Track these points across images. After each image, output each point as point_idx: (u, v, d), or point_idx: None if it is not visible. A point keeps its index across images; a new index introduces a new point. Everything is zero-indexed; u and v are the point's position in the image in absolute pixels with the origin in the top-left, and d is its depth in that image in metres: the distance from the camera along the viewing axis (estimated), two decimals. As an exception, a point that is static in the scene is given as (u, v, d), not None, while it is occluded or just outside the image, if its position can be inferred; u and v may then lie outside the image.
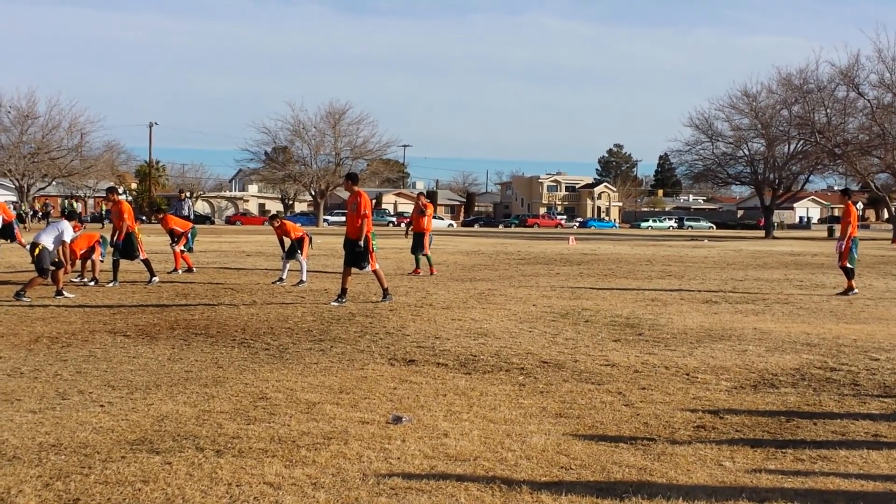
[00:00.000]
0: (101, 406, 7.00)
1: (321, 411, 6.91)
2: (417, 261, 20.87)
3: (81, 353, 9.42)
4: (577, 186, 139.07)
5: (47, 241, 14.70)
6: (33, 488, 5.04)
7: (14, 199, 74.31)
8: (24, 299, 13.92)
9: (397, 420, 6.61)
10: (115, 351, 9.61)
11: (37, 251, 14.57)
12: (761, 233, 74.33)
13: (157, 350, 9.70)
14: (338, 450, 5.84)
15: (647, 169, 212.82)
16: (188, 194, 32.69)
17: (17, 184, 75.50)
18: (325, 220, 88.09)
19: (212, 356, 9.37)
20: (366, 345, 10.22)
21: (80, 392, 7.52)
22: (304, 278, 17.58)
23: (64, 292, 14.72)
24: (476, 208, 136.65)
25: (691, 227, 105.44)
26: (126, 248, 17.07)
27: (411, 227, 21.36)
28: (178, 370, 8.57)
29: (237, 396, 7.42)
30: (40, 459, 5.55)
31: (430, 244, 20.91)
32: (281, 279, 17.75)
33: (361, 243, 13.90)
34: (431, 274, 20.30)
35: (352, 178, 14.60)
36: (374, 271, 14.31)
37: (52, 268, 14.75)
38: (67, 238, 15.19)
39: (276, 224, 18.13)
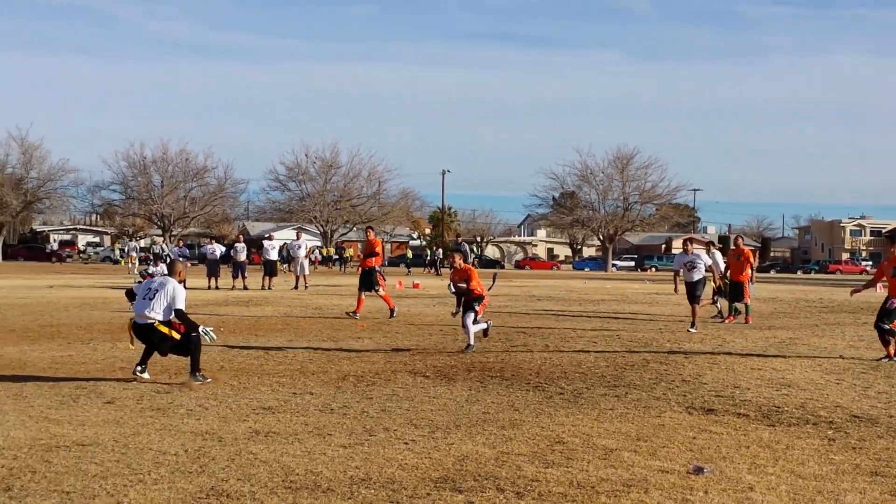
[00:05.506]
0: (406, 443, 7.27)
1: (619, 458, 6.83)
2: (731, 308, 19.90)
3: (385, 392, 9.84)
4: (884, 231, 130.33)
5: None
6: (346, 519, 5.30)
7: (318, 243, 79.61)
8: None
9: (699, 471, 6.41)
10: (415, 391, 9.98)
11: None
12: None
13: (455, 391, 9.97)
14: (638, 498, 5.73)
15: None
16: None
17: (321, 229, 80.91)
18: (613, 266, 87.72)
19: (507, 399, 9.51)
20: (662, 392, 10.02)
21: (385, 429, 7.85)
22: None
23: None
24: (772, 254, 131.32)
25: None
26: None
27: (725, 277, 20.00)
28: (476, 411, 8.76)
29: (534, 439, 7.47)
30: (352, 492, 5.82)
31: (750, 292, 19.72)
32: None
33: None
34: (729, 321, 19.41)
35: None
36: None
37: None
38: None
39: None
